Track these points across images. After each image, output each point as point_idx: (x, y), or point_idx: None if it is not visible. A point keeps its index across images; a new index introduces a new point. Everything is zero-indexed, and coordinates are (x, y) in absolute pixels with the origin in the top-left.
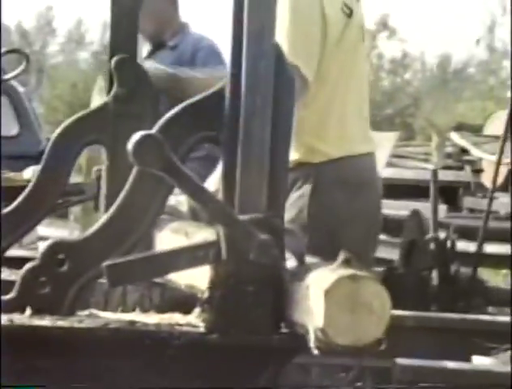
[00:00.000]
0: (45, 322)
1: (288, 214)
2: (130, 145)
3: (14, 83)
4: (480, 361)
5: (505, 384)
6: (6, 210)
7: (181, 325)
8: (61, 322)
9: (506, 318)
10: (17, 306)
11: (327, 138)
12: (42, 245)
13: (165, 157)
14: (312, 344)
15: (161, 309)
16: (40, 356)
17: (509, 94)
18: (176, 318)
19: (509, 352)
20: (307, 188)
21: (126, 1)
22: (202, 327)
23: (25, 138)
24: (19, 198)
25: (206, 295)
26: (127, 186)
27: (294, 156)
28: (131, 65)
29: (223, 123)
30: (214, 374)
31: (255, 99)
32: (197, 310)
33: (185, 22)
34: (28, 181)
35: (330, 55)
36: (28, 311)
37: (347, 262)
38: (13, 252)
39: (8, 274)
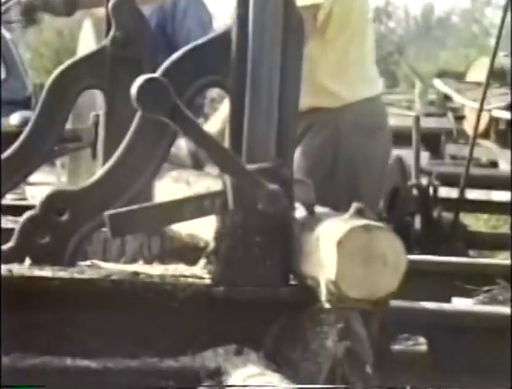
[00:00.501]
0: (46, 272)
1: (304, 159)
2: (133, 89)
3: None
4: (459, 302)
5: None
6: (3, 156)
7: (186, 276)
8: (62, 273)
9: (487, 261)
10: (16, 256)
11: (346, 82)
12: (40, 194)
13: (170, 102)
14: (323, 297)
15: (161, 259)
16: (40, 308)
17: (491, 42)
18: (180, 269)
19: (488, 294)
20: (325, 133)
21: None
22: (208, 279)
23: (12, 83)
24: (16, 144)
25: (212, 246)
26: (129, 134)
27: (310, 101)
28: (129, 7)
29: (229, 67)
30: (220, 327)
31: (263, 42)
32: (202, 262)
33: None
34: (16, 126)
35: None
36: (28, 261)
37: (359, 213)
38: (7, 200)
39: (5, 222)
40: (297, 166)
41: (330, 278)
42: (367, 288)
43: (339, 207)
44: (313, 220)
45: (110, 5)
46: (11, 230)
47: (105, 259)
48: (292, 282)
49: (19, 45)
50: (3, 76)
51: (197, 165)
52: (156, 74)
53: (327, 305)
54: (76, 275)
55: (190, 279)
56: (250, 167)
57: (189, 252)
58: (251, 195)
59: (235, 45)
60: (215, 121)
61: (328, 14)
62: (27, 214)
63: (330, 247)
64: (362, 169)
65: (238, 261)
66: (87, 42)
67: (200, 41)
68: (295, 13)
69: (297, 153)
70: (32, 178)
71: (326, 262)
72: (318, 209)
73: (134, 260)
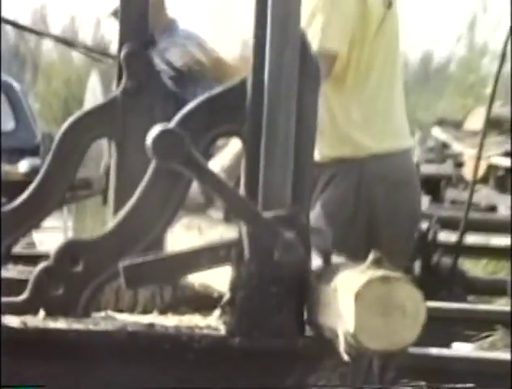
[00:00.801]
0: (60, 324)
1: (326, 208)
2: (148, 140)
3: (10, 80)
4: (460, 348)
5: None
6: (13, 203)
7: (201, 328)
8: (77, 325)
9: (485, 307)
10: (30, 308)
11: (372, 133)
12: (48, 240)
13: (186, 152)
14: (342, 349)
15: (174, 308)
16: (54, 360)
17: (488, 91)
18: (195, 320)
19: (487, 339)
20: (349, 183)
21: None
22: (223, 330)
23: (21, 132)
24: (27, 192)
25: (227, 296)
26: (143, 182)
27: (335, 150)
28: (141, 57)
29: (245, 116)
30: (236, 378)
31: (279, 90)
32: (217, 312)
33: (174, 18)
34: (24, 174)
35: (373, 45)
36: (41, 313)
37: (377, 263)
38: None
39: (16, 272)
40: (319, 215)
41: (349, 330)
42: (386, 340)
43: (358, 258)
44: (329, 269)
45: (122, 55)
46: (25, 281)
47: (118, 309)
48: (309, 333)
49: (28, 95)
50: (13, 126)
51: (209, 203)
52: (171, 125)
53: (346, 357)
54: (91, 327)
55: (206, 330)
56: (266, 214)
57: (202, 302)
58: (267, 244)
59: (250, 94)
60: (224, 158)
61: (346, 62)
62: (41, 265)
63: (348, 299)
64: (383, 222)
65: (254, 311)
66: (94, 92)
67: (216, 90)
68: (311, 60)
69: (320, 202)
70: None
71: (344, 314)
72: (335, 258)
73: (146, 310)
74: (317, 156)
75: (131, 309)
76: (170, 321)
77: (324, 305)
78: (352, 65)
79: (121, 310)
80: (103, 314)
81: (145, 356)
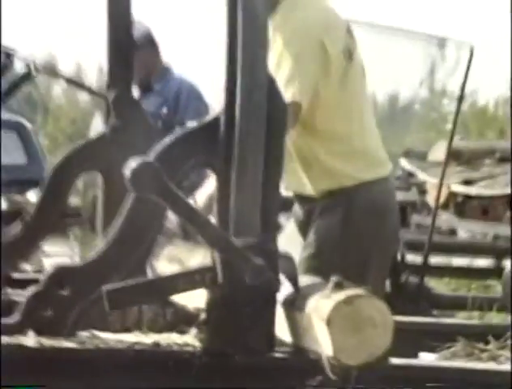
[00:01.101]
0: (73, 344)
1: (317, 238)
2: (126, 171)
3: (22, 120)
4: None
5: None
6: (14, 232)
7: (179, 344)
8: (89, 344)
9: (448, 320)
10: (20, 329)
11: (354, 164)
12: (45, 271)
13: (161, 183)
14: (327, 370)
15: (174, 327)
16: (69, 377)
17: (448, 126)
18: (173, 337)
19: (450, 350)
20: (338, 213)
21: (122, 43)
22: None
23: (32, 166)
24: (25, 220)
25: (202, 316)
26: (124, 212)
27: (324, 184)
28: (127, 98)
29: (218, 149)
30: None
31: (249, 126)
32: (193, 331)
33: (168, 66)
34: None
35: (338, 93)
36: (31, 334)
37: (339, 286)
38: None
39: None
40: (313, 243)
41: (329, 354)
42: (364, 353)
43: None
44: (300, 297)
45: (110, 97)
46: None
47: (125, 328)
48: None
49: (38, 134)
50: (24, 160)
51: (186, 237)
52: (148, 158)
53: (332, 376)
54: (102, 346)
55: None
56: (237, 242)
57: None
58: (238, 269)
59: (223, 130)
60: (201, 197)
61: (315, 107)
62: (32, 289)
63: (322, 326)
64: (372, 246)
65: (227, 330)
66: (97, 130)
67: (191, 127)
68: (279, 99)
69: (313, 232)
70: (49, 250)
71: (321, 339)
72: (301, 279)
73: (150, 327)
74: (310, 190)
75: (137, 327)
76: (149, 338)
77: (303, 331)
78: (321, 110)
79: (127, 329)
80: (88, 333)
81: (150, 372)
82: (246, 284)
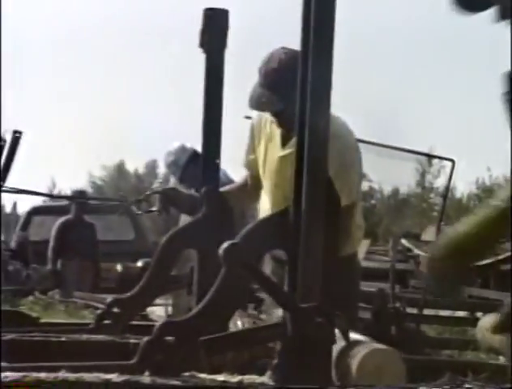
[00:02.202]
0: (178, 382)
1: None
2: (220, 251)
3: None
4: None
5: None
6: (132, 292)
7: (258, 383)
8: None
9: (440, 358)
10: (138, 369)
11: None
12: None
13: (246, 260)
14: None
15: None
16: None
17: (435, 214)
18: (253, 377)
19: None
20: None
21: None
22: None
23: (138, 241)
24: (140, 284)
25: (275, 361)
26: (217, 282)
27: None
28: (215, 193)
29: (288, 233)
30: None
31: (311, 220)
32: (268, 373)
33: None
34: (141, 268)
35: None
36: (147, 373)
37: None
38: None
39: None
40: None
41: None
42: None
43: None
44: (349, 347)
45: (203, 191)
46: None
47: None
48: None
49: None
50: (133, 236)
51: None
52: (236, 240)
53: None
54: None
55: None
56: (303, 306)
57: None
58: (303, 326)
59: (292, 219)
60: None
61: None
62: (146, 338)
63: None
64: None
65: (295, 372)
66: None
67: (268, 215)
68: (332, 193)
69: None
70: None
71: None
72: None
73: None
74: None
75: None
76: (235, 378)
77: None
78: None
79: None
80: (189, 373)
81: None
82: (309, 338)
